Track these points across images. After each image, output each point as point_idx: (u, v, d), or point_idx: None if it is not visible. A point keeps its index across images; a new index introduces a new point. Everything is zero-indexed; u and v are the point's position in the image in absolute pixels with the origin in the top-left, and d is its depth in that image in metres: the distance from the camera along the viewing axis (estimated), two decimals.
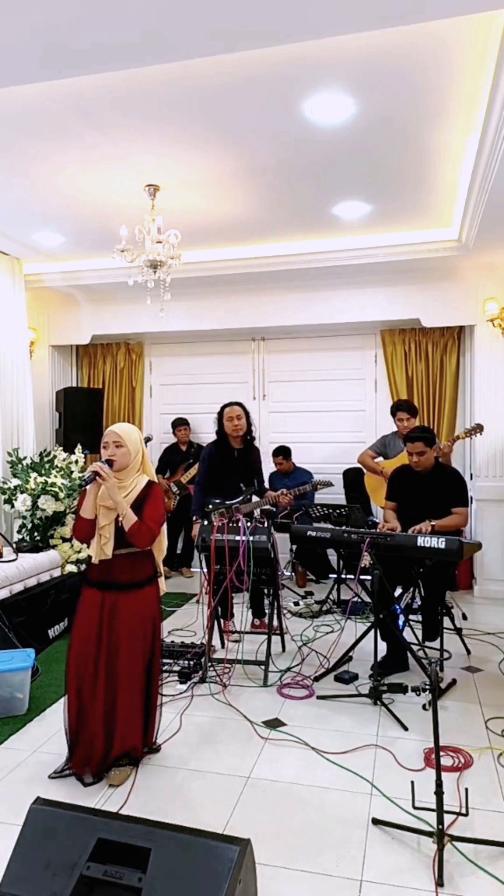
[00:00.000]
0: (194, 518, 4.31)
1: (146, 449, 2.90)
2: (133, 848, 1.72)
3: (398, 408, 5.20)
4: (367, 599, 4.85)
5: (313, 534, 3.93)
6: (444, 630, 4.00)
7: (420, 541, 3.43)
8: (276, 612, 4.06)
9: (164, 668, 3.79)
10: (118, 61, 2.66)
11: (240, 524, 3.82)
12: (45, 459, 5.28)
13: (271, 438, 6.48)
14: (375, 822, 2.37)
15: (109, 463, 2.68)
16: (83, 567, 4.86)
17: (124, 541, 2.71)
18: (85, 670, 2.69)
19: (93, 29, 2.43)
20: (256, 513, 4.45)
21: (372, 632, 3.62)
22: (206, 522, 4.05)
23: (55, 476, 5.08)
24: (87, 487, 2.67)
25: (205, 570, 3.92)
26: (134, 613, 2.71)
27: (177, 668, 3.76)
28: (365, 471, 5.51)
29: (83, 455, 5.47)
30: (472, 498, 5.57)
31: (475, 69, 2.97)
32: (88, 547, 2.80)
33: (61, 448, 5.62)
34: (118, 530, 2.70)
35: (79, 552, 5.02)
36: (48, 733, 3.10)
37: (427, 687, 2.28)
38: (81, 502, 2.73)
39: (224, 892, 1.60)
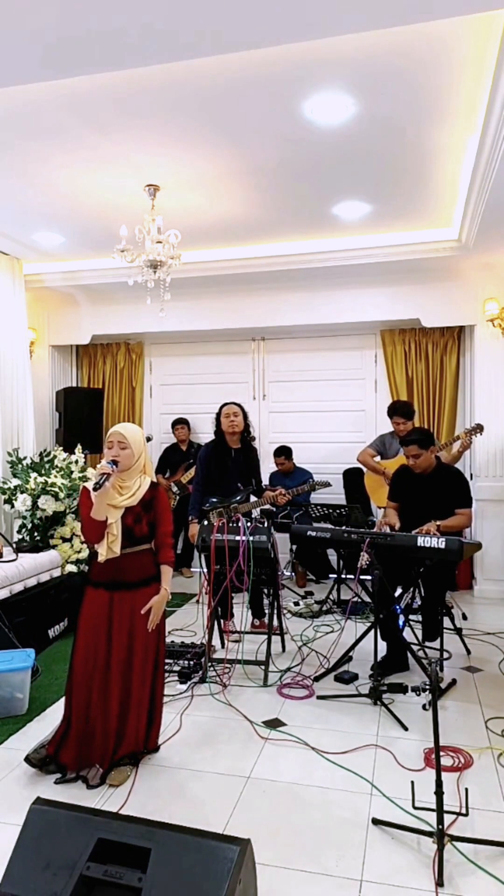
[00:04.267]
0: (191, 518, 4.31)
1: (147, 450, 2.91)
2: (133, 848, 1.72)
3: (394, 412, 5.20)
4: (367, 599, 4.84)
5: (313, 534, 3.93)
6: (444, 630, 4.00)
7: (420, 541, 3.43)
8: (276, 612, 4.06)
9: (165, 668, 3.79)
10: (118, 61, 2.66)
11: (240, 524, 3.82)
12: (45, 459, 5.28)
13: (271, 438, 6.49)
14: (375, 822, 2.37)
15: (115, 463, 2.68)
16: (84, 567, 4.85)
17: (132, 538, 2.72)
18: (96, 671, 2.69)
19: (92, 29, 2.43)
20: (256, 512, 4.45)
21: (372, 632, 3.62)
22: (204, 522, 4.05)
23: (55, 476, 5.08)
24: (99, 492, 2.60)
25: (205, 570, 3.92)
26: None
27: (177, 668, 3.76)
28: (365, 470, 5.51)
29: (83, 455, 5.47)
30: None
31: (475, 69, 2.97)
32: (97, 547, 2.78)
33: (61, 448, 5.62)
34: (125, 528, 2.70)
35: (79, 552, 5.02)
36: (48, 733, 3.09)
37: (427, 687, 2.28)
38: (84, 503, 2.70)
39: (224, 892, 1.60)
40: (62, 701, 2.86)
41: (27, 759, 2.73)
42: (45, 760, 2.72)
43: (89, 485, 2.68)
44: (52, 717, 3.25)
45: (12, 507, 5.09)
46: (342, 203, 4.54)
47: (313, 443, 6.52)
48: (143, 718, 2.76)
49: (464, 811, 2.27)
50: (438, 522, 3.67)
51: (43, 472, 5.10)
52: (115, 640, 2.70)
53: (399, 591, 4.00)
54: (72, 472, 5.22)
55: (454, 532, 3.72)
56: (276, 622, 4.13)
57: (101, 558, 2.71)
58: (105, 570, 2.73)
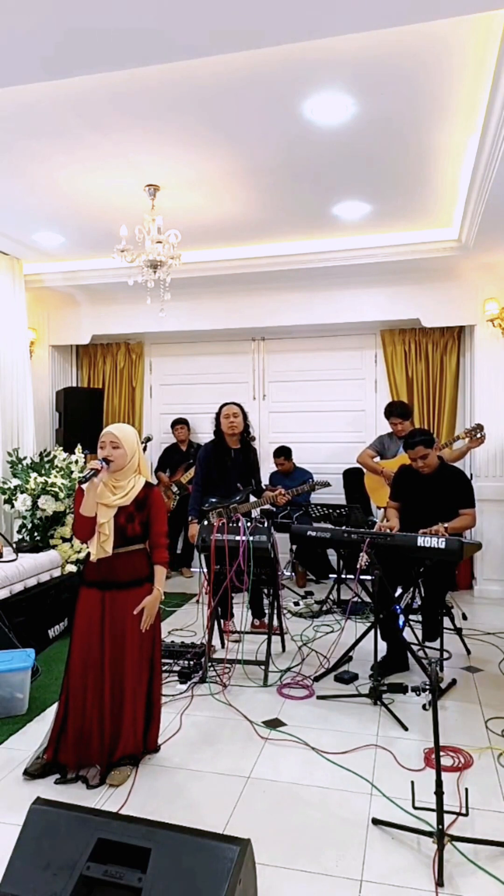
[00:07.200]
0: (191, 518, 4.31)
1: (142, 451, 2.91)
2: (133, 848, 1.72)
3: (390, 412, 5.20)
4: (367, 599, 4.85)
5: (313, 534, 3.93)
6: (444, 630, 4.00)
7: (420, 541, 3.42)
8: (276, 612, 4.06)
9: (164, 668, 3.79)
10: (118, 61, 2.66)
11: (240, 524, 3.82)
12: (45, 459, 5.28)
13: (271, 438, 6.49)
14: (375, 822, 2.37)
15: (107, 462, 2.68)
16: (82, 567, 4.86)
17: (124, 538, 2.72)
18: (90, 671, 2.69)
19: (92, 28, 2.43)
20: (256, 512, 4.44)
21: (372, 632, 3.62)
22: (204, 522, 4.05)
23: (55, 476, 5.08)
24: (86, 486, 2.66)
25: (205, 570, 3.92)
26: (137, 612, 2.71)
27: (177, 668, 3.76)
28: (365, 471, 5.51)
29: (83, 455, 5.47)
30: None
31: (475, 69, 2.97)
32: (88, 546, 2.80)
33: (61, 448, 5.62)
34: (117, 527, 2.70)
35: (79, 552, 5.02)
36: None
37: (427, 687, 2.28)
38: (79, 501, 2.72)
39: (224, 892, 1.60)
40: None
41: (27, 773, 2.70)
42: (45, 768, 2.71)
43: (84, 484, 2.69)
44: (51, 718, 3.22)
45: (12, 507, 5.09)
46: (342, 203, 4.54)
47: (313, 443, 6.52)
48: (139, 719, 2.75)
49: (464, 811, 2.27)
50: (446, 525, 3.66)
51: (43, 472, 5.10)
52: (108, 639, 2.69)
53: (399, 591, 4.00)
54: (72, 472, 5.22)
55: (459, 533, 3.72)
56: (276, 622, 4.13)
57: (92, 557, 2.71)
58: (97, 569, 2.73)
